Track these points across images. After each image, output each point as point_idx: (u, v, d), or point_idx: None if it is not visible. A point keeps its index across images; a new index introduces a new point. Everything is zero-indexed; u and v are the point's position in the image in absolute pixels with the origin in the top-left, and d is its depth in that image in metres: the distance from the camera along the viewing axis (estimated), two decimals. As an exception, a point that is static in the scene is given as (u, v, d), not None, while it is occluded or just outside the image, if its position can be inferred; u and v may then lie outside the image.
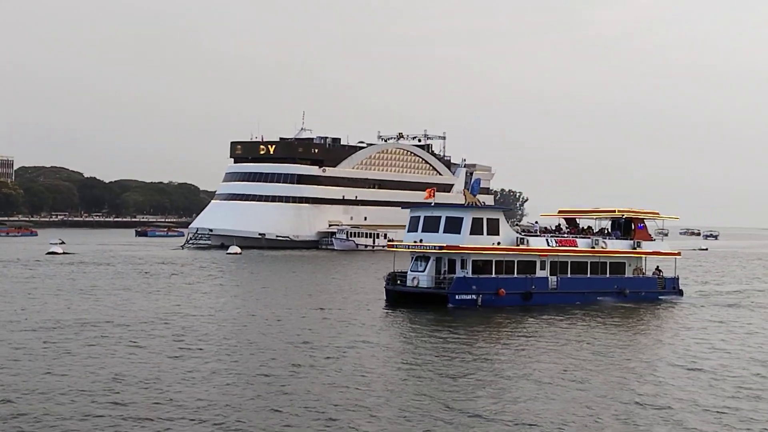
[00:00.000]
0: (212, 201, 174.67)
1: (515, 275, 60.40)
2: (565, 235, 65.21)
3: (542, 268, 62.00)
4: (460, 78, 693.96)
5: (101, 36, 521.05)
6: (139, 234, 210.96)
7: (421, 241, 59.79)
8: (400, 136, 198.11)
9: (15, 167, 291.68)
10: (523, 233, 62.93)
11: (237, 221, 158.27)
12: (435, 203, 62.00)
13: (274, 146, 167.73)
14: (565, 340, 45.12)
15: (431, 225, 59.98)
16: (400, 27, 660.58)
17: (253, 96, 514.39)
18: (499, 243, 59.54)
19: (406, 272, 60.30)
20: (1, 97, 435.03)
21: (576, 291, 62.91)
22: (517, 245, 60.42)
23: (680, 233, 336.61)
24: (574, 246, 63.76)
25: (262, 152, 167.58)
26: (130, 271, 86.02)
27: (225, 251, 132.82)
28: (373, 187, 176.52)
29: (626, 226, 68.81)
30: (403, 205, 71.01)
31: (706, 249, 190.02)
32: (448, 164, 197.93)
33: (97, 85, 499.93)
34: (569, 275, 63.29)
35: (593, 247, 64.39)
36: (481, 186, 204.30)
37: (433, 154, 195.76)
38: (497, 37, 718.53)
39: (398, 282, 59.94)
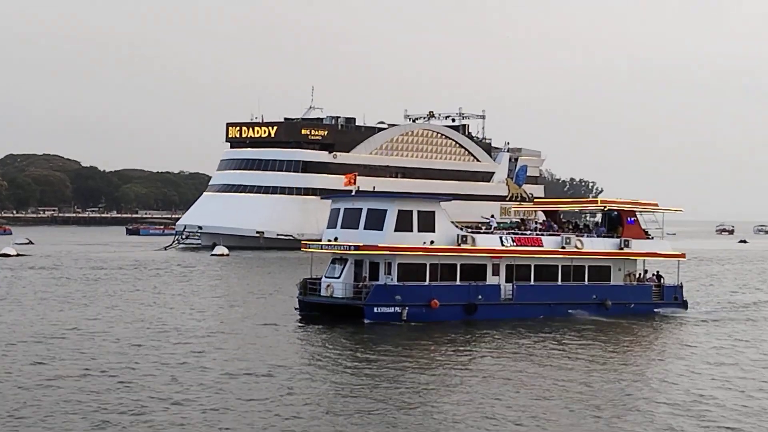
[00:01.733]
0: (204, 193, 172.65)
1: (456, 282, 56.06)
2: (527, 233, 60.51)
3: (495, 273, 57.74)
4: (521, 44, 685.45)
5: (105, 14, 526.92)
6: (130, 232, 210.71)
7: (336, 239, 55.84)
8: (431, 115, 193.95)
9: (2, 155, 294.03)
10: (470, 230, 58.51)
11: (231, 217, 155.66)
12: (357, 191, 57.71)
13: (275, 128, 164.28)
14: (504, 373, 40.25)
15: (351, 219, 56.35)
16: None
17: (265, 73, 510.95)
18: (432, 242, 55.17)
19: (321, 278, 56.54)
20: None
21: (539, 302, 58.54)
22: (458, 244, 56.03)
23: (755, 231, 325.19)
24: (539, 245, 59.03)
25: (262, 135, 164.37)
26: (75, 277, 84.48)
27: (210, 252, 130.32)
28: (396, 176, 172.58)
29: (614, 221, 63.81)
30: (324, 194, 67.14)
31: None
32: (488, 148, 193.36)
33: (98, 66, 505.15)
34: (532, 282, 58.77)
35: (563, 247, 59.59)
36: (528, 174, 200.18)
37: (469, 136, 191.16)
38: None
39: (311, 290, 56.04)
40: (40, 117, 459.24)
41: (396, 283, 54.57)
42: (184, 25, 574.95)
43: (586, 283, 61.13)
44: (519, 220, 65.56)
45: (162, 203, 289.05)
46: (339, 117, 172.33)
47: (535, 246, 59.29)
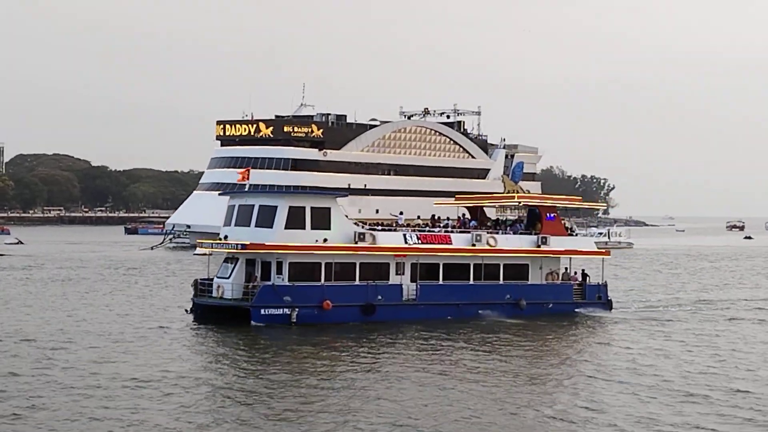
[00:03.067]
0: (194, 192, 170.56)
1: (355, 282, 53.03)
2: (436, 230, 57.50)
3: (399, 272, 54.64)
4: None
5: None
6: (129, 231, 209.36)
7: (225, 237, 53.15)
8: (427, 112, 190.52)
9: (12, 155, 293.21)
10: (370, 226, 55.62)
11: (219, 216, 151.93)
12: (251, 187, 54.98)
13: (264, 125, 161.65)
14: (385, 383, 37.33)
15: (244, 216, 53.89)
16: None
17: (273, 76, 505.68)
18: (326, 240, 52.15)
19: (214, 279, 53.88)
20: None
21: (446, 302, 55.49)
22: (356, 242, 53.01)
23: (767, 227, 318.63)
24: (447, 243, 55.86)
25: (251, 132, 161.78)
26: (37, 279, 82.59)
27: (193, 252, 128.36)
28: (387, 174, 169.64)
29: (536, 218, 60.57)
30: (223, 190, 64.41)
31: None
32: (484, 145, 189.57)
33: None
34: (440, 282, 55.68)
35: (474, 245, 56.34)
36: (525, 171, 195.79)
37: (464, 133, 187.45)
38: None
39: (202, 291, 53.29)
40: (52, 117, 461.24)
41: (285, 284, 51.70)
42: (186, 21, 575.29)
43: (501, 282, 57.98)
44: (431, 217, 62.52)
45: (171, 202, 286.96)
46: (329, 114, 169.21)
47: (442, 243, 56.11)
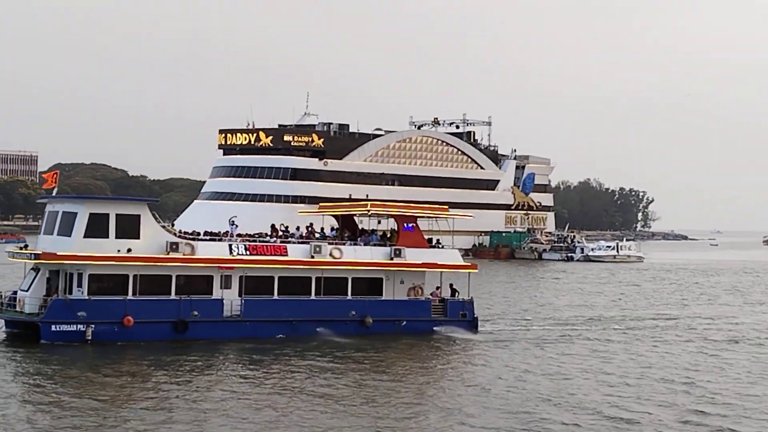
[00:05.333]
0: (195, 201, 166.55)
1: (168, 296, 47.46)
2: (270, 239, 51.77)
3: (225, 286, 48.89)
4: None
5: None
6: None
7: (26, 246, 48.06)
8: (437, 122, 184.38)
9: (51, 163, 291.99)
10: (192, 236, 49.99)
11: (218, 225, 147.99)
12: (58, 193, 49.91)
13: (264, 134, 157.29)
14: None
15: (50, 223, 49.02)
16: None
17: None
18: (130, 249, 46.64)
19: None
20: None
21: (276, 319, 49.68)
22: (168, 252, 47.34)
23: None
24: (281, 255, 50.00)
25: (252, 141, 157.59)
26: None
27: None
28: (391, 184, 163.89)
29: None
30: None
31: None
32: (494, 156, 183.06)
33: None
34: (275, 296, 49.78)
35: (312, 256, 50.35)
36: (537, 182, 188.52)
37: (474, 143, 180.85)
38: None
39: (6, 305, 48.25)
40: (93, 126, 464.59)
41: (82, 297, 46.22)
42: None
43: (349, 297, 51.82)
44: (271, 226, 56.73)
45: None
46: (332, 123, 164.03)
47: (276, 255, 50.21)
